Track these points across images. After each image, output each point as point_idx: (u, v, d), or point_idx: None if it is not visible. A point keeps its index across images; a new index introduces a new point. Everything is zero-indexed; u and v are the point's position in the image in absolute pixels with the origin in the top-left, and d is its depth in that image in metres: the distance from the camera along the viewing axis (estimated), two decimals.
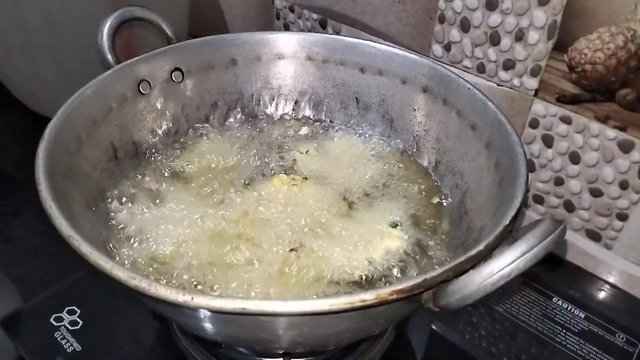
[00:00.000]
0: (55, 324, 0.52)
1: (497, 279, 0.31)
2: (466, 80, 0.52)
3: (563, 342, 0.53)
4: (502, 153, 0.46)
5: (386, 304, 0.32)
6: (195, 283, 0.44)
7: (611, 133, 0.56)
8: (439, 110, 0.55)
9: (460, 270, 0.34)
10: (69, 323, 0.53)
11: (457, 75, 0.53)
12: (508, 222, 0.37)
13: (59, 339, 0.51)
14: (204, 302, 0.32)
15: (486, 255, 0.35)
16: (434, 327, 0.55)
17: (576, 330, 0.54)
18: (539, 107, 0.59)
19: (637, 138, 0.55)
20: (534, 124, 0.61)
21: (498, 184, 0.45)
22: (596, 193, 0.60)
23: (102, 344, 0.51)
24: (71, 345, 0.51)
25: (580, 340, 0.53)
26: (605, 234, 0.62)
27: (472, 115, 0.51)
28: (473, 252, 0.35)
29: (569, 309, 0.57)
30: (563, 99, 0.57)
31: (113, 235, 0.47)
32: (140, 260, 0.45)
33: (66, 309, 0.54)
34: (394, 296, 0.32)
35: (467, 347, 0.53)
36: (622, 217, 0.60)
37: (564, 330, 0.54)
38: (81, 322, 0.53)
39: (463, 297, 0.32)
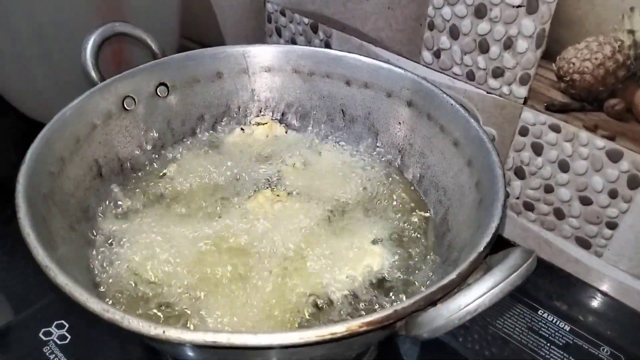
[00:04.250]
0: (44, 338, 0.53)
1: (464, 314, 0.31)
2: (449, 96, 0.52)
3: (547, 356, 0.53)
4: (483, 172, 0.46)
5: (357, 336, 0.33)
6: (179, 305, 0.44)
7: (600, 142, 0.56)
8: (424, 125, 0.55)
9: (432, 300, 0.34)
10: (57, 337, 0.53)
11: (441, 90, 0.53)
12: (482, 249, 0.37)
13: (47, 353, 0.52)
14: (175, 335, 0.32)
15: (459, 283, 0.35)
16: None
17: (561, 344, 0.54)
18: (529, 115, 0.59)
19: (625, 148, 0.55)
20: (524, 132, 0.61)
21: (478, 204, 0.45)
22: (586, 201, 0.60)
23: (90, 358, 0.52)
24: None
25: (565, 354, 0.53)
26: (595, 242, 0.62)
27: (455, 132, 0.51)
28: (445, 281, 0.35)
29: (554, 321, 0.57)
30: (552, 108, 0.57)
31: (97, 255, 0.47)
32: (124, 281, 0.46)
33: (55, 323, 0.54)
34: (364, 328, 0.33)
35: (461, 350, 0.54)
36: (612, 225, 0.59)
37: (549, 344, 0.54)
38: (69, 337, 0.53)
39: (432, 330, 0.32)
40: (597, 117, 0.55)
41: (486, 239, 0.38)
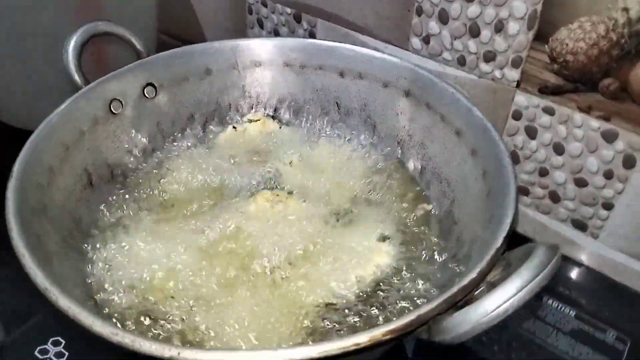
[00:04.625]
0: (40, 356, 0.50)
1: (493, 317, 0.30)
2: (449, 84, 0.50)
3: (555, 344, 0.53)
4: (489, 162, 0.44)
5: (381, 345, 0.31)
6: (183, 319, 0.42)
7: (595, 123, 0.55)
8: (423, 115, 0.53)
9: (453, 302, 0.33)
10: (54, 355, 0.51)
11: (440, 79, 0.51)
12: (499, 245, 0.36)
13: None
14: (190, 356, 0.30)
15: (479, 282, 0.34)
16: None
17: (567, 331, 0.54)
18: (522, 99, 0.57)
19: (621, 128, 0.53)
20: (517, 116, 0.59)
21: (487, 195, 0.43)
22: (581, 183, 0.59)
23: None
24: None
25: (572, 341, 0.53)
26: (592, 223, 0.61)
27: (457, 121, 0.49)
28: (465, 281, 0.33)
29: (559, 307, 0.56)
30: (545, 90, 0.56)
31: (92, 270, 0.45)
32: (122, 295, 0.43)
33: (51, 340, 0.52)
34: (388, 336, 0.31)
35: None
36: (608, 206, 0.58)
37: (555, 331, 0.54)
38: (67, 354, 0.51)
39: (457, 335, 0.31)
40: (592, 97, 0.54)
41: (502, 234, 0.36)
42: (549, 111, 0.57)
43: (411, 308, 0.42)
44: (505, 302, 0.30)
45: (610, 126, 0.54)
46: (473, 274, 0.34)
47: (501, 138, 0.44)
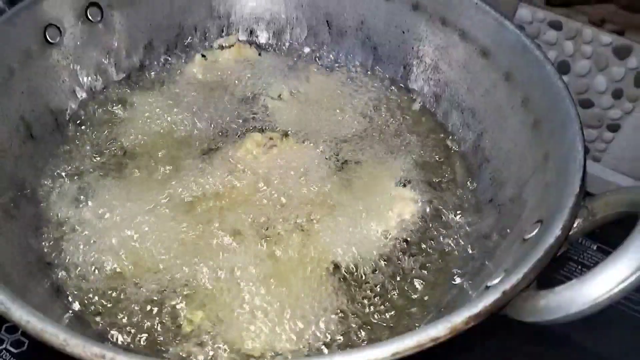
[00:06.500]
0: None
1: (600, 303, 0.23)
2: None
3: None
4: (532, 87, 0.37)
5: (460, 334, 0.23)
6: (170, 302, 0.32)
7: (606, 38, 0.49)
8: (437, 32, 0.45)
9: (540, 268, 0.25)
10: (11, 345, 0.40)
11: None
12: (578, 190, 0.28)
13: None
14: None
15: (563, 240, 0.26)
16: None
17: (591, 265, 0.48)
18: (525, 12, 0.51)
19: (635, 42, 0.48)
20: None
21: (532, 127, 0.35)
22: (586, 104, 0.53)
23: None
24: None
25: None
26: (594, 147, 0.56)
27: (483, 39, 0.41)
28: (550, 240, 0.26)
29: (579, 241, 0.50)
30: (553, 2, 0.50)
31: (50, 248, 0.34)
32: (91, 278, 0.33)
33: (5, 327, 0.41)
34: (472, 324, 0.23)
35: None
36: (614, 127, 0.54)
37: (580, 267, 0.48)
38: (27, 341, 0.40)
39: (555, 319, 0.23)
40: (605, 9, 0.48)
41: (577, 175, 0.29)
42: (556, 26, 0.51)
43: (456, 272, 0.35)
44: (617, 286, 0.22)
45: (624, 41, 0.48)
46: (556, 232, 0.26)
47: (547, 57, 0.36)
